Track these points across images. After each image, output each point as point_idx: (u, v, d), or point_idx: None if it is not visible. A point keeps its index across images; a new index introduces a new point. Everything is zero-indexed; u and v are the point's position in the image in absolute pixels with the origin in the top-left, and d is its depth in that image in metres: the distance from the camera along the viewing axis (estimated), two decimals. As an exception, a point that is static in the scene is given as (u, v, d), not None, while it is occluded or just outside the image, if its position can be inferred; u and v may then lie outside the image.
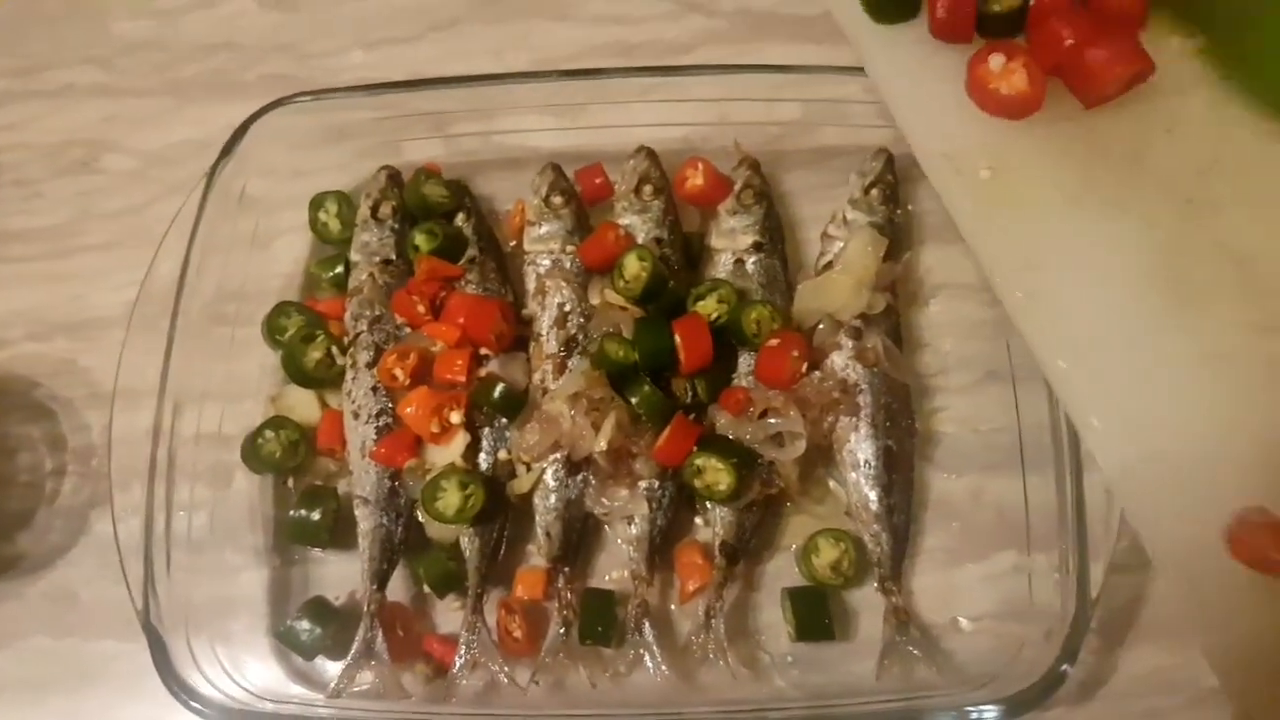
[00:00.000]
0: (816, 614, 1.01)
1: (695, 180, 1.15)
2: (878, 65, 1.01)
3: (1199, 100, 0.87)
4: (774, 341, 1.03)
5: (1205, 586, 0.79)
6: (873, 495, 1.03)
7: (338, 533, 1.07)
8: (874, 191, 1.14)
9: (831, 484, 1.07)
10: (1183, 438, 0.79)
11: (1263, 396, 0.78)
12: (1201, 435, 0.79)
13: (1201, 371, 0.79)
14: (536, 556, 1.07)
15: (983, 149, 0.87)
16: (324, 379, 1.12)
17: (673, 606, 1.06)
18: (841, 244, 1.11)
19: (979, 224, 0.87)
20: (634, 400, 1.02)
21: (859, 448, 1.04)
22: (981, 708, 0.91)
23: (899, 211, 1.16)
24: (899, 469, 1.04)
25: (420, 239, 1.13)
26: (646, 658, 1.00)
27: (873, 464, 1.03)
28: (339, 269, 1.18)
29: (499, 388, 1.05)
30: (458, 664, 1.00)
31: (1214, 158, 0.84)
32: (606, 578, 1.07)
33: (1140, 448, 0.80)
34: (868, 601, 1.04)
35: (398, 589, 1.06)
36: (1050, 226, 0.85)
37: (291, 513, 1.07)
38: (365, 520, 1.05)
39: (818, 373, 1.05)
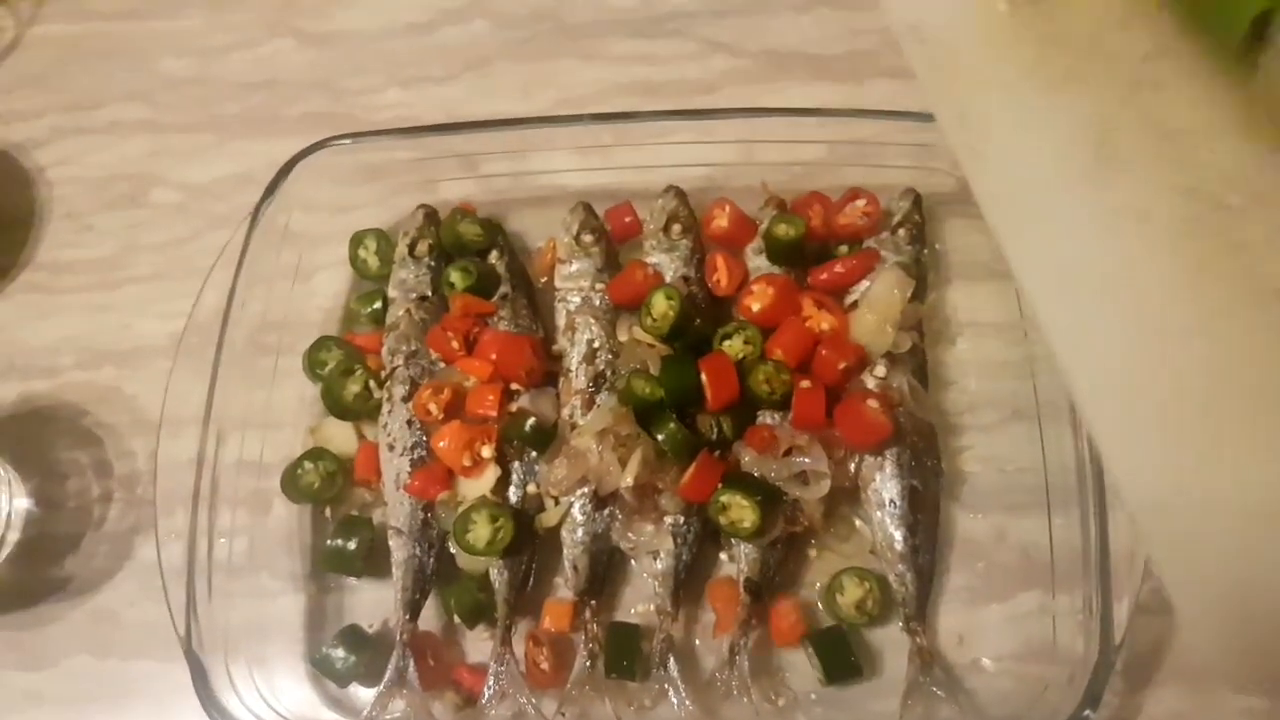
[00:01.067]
0: (841, 654, 1.02)
1: (720, 222, 1.17)
2: None
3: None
4: (805, 384, 1.05)
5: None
6: (898, 535, 1.04)
7: (372, 562, 1.09)
8: (901, 231, 1.16)
9: (857, 522, 1.08)
10: (1109, 292, 0.79)
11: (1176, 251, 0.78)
12: (1128, 288, 0.78)
13: (1127, 227, 0.79)
14: (564, 589, 1.09)
15: (950, 23, 0.89)
16: (361, 412, 1.15)
17: (697, 641, 1.07)
18: (867, 283, 1.12)
19: (937, 91, 0.88)
20: (660, 437, 1.04)
21: (884, 487, 1.05)
22: (1004, 750, 0.92)
23: (926, 251, 1.17)
24: (924, 508, 1.05)
25: (455, 276, 1.16)
26: (671, 692, 1.01)
27: (898, 503, 1.04)
28: (377, 304, 1.21)
29: (529, 421, 1.07)
30: (486, 694, 1.02)
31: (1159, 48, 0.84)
32: (632, 611, 1.09)
33: (1070, 306, 0.80)
34: (891, 640, 1.05)
35: (429, 619, 1.09)
36: (1000, 95, 0.86)
37: (328, 541, 1.10)
38: (399, 550, 1.08)
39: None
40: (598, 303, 1.16)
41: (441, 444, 1.07)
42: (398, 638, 1.04)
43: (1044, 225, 0.82)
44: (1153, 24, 0.85)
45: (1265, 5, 0.75)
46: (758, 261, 1.17)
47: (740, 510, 1.01)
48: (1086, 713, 0.90)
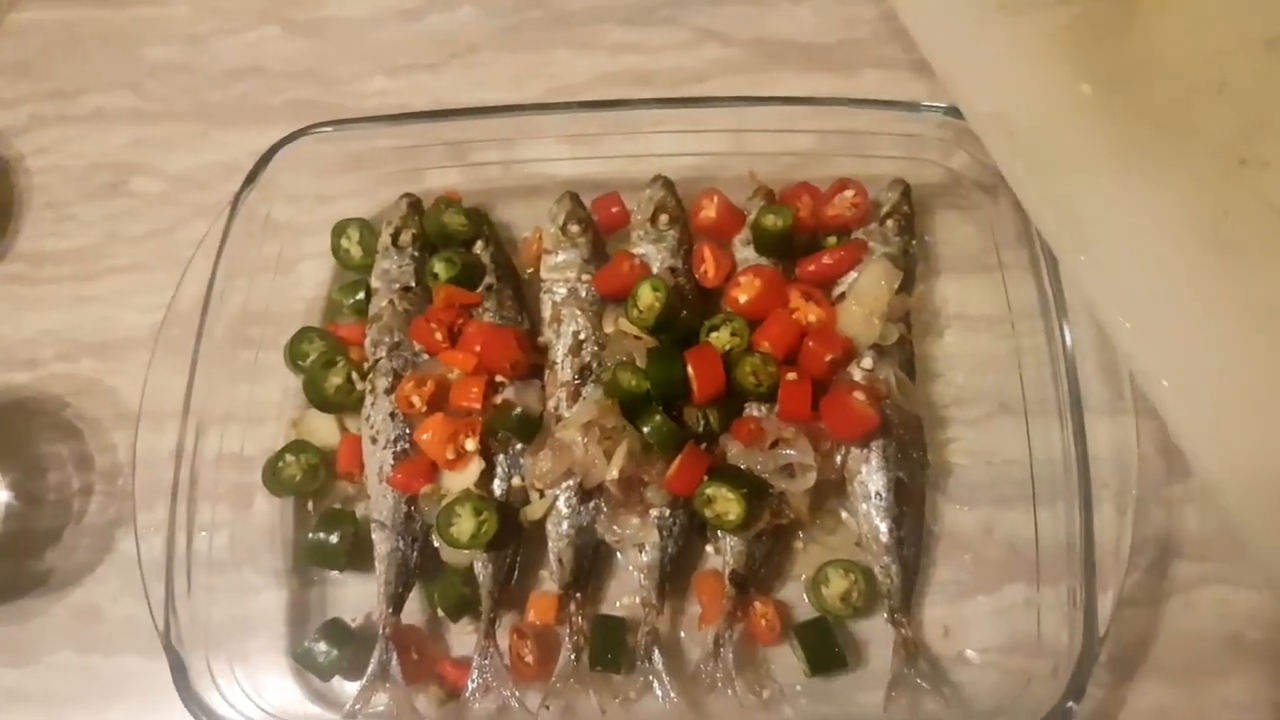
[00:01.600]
0: (825, 646, 1.02)
1: (709, 212, 1.17)
2: (929, 36, 0.98)
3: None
4: (792, 376, 1.04)
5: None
6: (883, 527, 1.03)
7: (355, 556, 1.09)
8: (889, 222, 1.15)
9: (843, 515, 1.08)
10: (1245, 393, 0.79)
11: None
12: (1262, 390, 0.78)
13: (1258, 323, 0.79)
14: (549, 582, 1.08)
15: (1034, 109, 0.87)
16: (344, 404, 1.14)
17: (682, 634, 1.07)
18: (855, 274, 1.12)
19: (1031, 187, 0.86)
20: (646, 429, 1.03)
21: (870, 479, 1.04)
22: (988, 743, 0.92)
23: (914, 242, 1.16)
24: (910, 501, 1.05)
25: (439, 267, 1.15)
26: (656, 685, 1.01)
27: (884, 496, 1.04)
28: (360, 295, 1.20)
29: (515, 411, 1.07)
30: (470, 687, 1.02)
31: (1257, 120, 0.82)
32: (618, 604, 1.08)
33: (1207, 405, 0.79)
34: (876, 632, 1.04)
35: (413, 612, 1.08)
36: (1101, 187, 0.84)
37: (310, 535, 1.09)
38: (382, 544, 1.07)
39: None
40: (584, 294, 1.15)
41: (425, 437, 1.06)
42: (381, 631, 1.04)
43: (1165, 324, 0.79)
44: (1247, 92, 0.82)
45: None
46: (745, 253, 1.16)
47: (726, 503, 1.01)
48: (1070, 704, 0.90)
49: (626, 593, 1.08)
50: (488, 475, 1.08)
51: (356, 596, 1.10)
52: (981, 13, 0.90)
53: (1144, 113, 0.83)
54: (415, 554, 1.07)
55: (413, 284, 1.18)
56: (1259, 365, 0.77)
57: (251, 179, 1.16)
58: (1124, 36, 0.86)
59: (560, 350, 1.13)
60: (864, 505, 1.04)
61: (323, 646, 1.05)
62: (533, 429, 1.08)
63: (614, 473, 1.03)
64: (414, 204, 1.22)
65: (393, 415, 1.10)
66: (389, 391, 1.11)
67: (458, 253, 1.16)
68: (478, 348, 1.09)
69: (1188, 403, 0.79)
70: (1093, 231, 0.83)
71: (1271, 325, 0.78)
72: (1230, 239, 0.79)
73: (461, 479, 1.06)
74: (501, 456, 1.09)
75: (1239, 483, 0.79)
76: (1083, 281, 0.84)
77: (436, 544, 1.06)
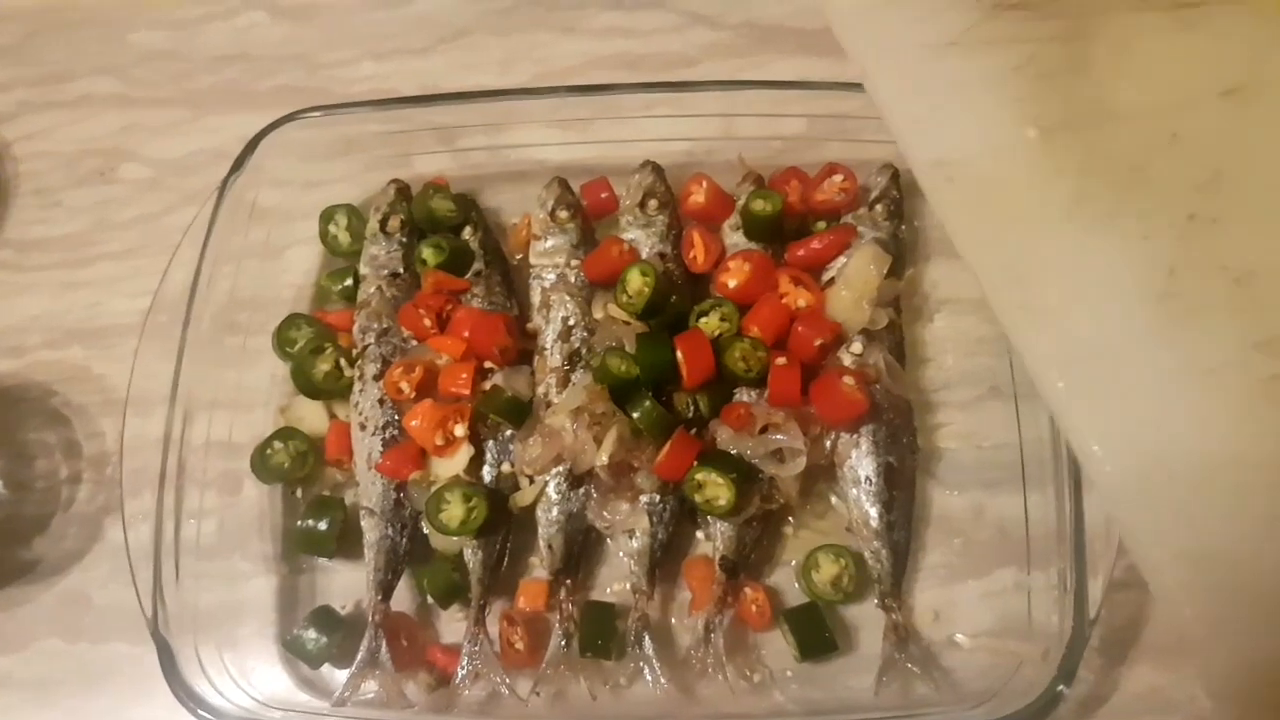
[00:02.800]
0: (816, 630, 1.01)
1: (698, 198, 1.16)
2: (874, 73, 0.94)
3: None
4: (781, 360, 1.04)
5: (1204, 604, 0.77)
6: (873, 511, 1.03)
7: (344, 542, 1.08)
8: (878, 206, 1.14)
9: (833, 500, 1.08)
10: (1180, 458, 0.77)
11: (1260, 413, 0.75)
12: (1198, 453, 0.77)
13: (1198, 387, 0.76)
14: (539, 568, 1.08)
15: (977, 153, 0.83)
16: (332, 391, 1.13)
17: (673, 620, 1.06)
18: (844, 259, 1.11)
19: (971, 237, 0.83)
20: (635, 415, 1.02)
21: (860, 464, 1.04)
22: (979, 726, 0.91)
23: (903, 227, 1.16)
24: (900, 485, 1.05)
25: (427, 253, 1.14)
26: (646, 670, 1.01)
27: (874, 480, 1.04)
28: (348, 281, 1.19)
29: (506, 393, 1.06)
30: (460, 674, 1.02)
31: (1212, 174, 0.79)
32: (608, 590, 1.08)
33: (1137, 470, 0.77)
34: (867, 617, 1.04)
35: (402, 599, 1.08)
36: (1045, 240, 0.81)
37: (299, 522, 1.09)
38: (371, 531, 1.07)
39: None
40: (573, 279, 1.15)
41: (414, 423, 1.06)
42: (370, 618, 1.03)
43: (1102, 385, 0.76)
44: (1199, 144, 0.79)
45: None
46: (735, 238, 1.15)
47: (716, 488, 1.00)
48: (1061, 688, 0.90)
49: (617, 579, 1.08)
50: (477, 461, 1.07)
51: (345, 583, 1.10)
52: (932, 49, 0.85)
53: (1093, 162, 0.80)
54: (404, 541, 1.07)
55: (401, 270, 1.17)
56: (1193, 427, 0.75)
57: (239, 165, 1.16)
58: (1076, 81, 0.82)
59: (549, 336, 1.12)
60: (854, 490, 1.04)
61: (312, 634, 1.04)
62: (523, 413, 1.07)
63: (604, 458, 1.03)
64: (402, 190, 1.21)
65: (381, 401, 1.10)
66: (377, 378, 1.11)
67: (446, 238, 1.15)
68: (466, 333, 1.09)
69: (1120, 469, 0.77)
70: (1033, 284, 0.79)
71: (1211, 385, 0.75)
72: (1176, 296, 0.76)
73: (451, 465, 1.06)
74: (491, 443, 1.08)
75: (1173, 555, 0.77)
76: (1019, 336, 0.80)
77: (426, 530, 1.06)
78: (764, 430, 1.03)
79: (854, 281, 1.08)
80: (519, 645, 1.03)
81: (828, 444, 1.05)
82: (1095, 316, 0.78)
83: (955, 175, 0.82)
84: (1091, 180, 0.79)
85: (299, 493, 1.13)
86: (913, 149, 0.85)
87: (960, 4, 0.84)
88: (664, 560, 1.06)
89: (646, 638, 1.01)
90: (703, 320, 1.08)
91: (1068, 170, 0.79)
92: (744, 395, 1.07)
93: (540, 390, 1.10)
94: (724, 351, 1.05)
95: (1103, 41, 0.82)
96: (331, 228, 1.21)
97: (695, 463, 1.01)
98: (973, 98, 0.82)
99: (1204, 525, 0.76)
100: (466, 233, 1.18)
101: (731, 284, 1.09)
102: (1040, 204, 0.80)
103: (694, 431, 1.05)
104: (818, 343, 1.05)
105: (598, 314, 1.12)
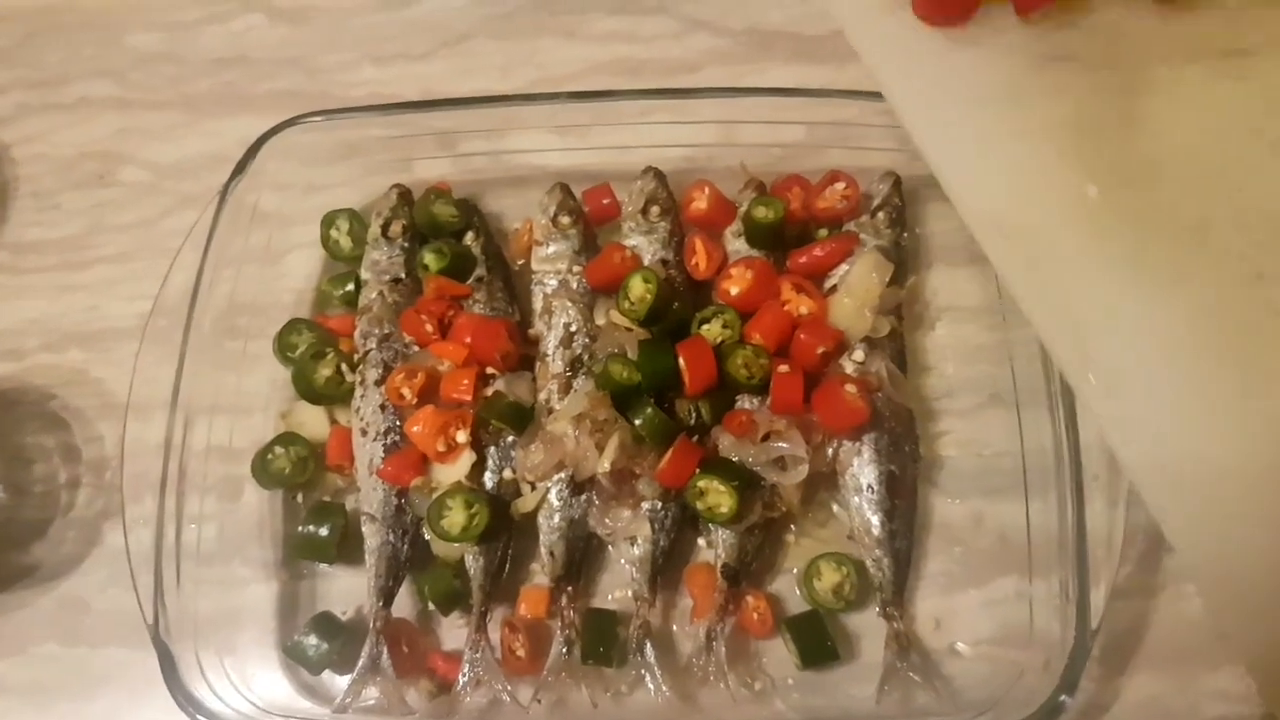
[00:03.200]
0: (818, 638, 1.01)
1: (700, 204, 1.16)
2: (922, 125, 0.89)
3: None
4: (783, 368, 1.04)
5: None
6: (875, 520, 1.03)
7: (345, 548, 1.08)
8: (880, 214, 1.14)
9: (834, 507, 1.07)
10: (1249, 519, 0.74)
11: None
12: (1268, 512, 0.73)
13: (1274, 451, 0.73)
14: (540, 575, 1.08)
15: (1034, 209, 0.80)
16: (333, 396, 1.13)
17: (674, 627, 1.06)
18: (846, 266, 1.11)
19: (1026, 291, 0.80)
20: (637, 422, 1.02)
21: (862, 472, 1.04)
22: (980, 735, 0.92)
23: (905, 235, 1.16)
24: (902, 493, 1.05)
25: (429, 258, 1.14)
26: (648, 678, 1.01)
27: (875, 488, 1.04)
28: (350, 286, 1.19)
29: (507, 400, 1.06)
30: (461, 681, 1.01)
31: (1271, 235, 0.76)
32: (609, 597, 1.08)
33: (1230, 548, 0.74)
34: (868, 625, 1.04)
35: (403, 605, 1.07)
36: (1108, 299, 0.78)
37: (300, 528, 1.08)
38: (372, 537, 1.06)
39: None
40: (575, 286, 1.15)
41: (415, 429, 1.05)
42: (371, 625, 1.03)
43: (1174, 447, 0.73)
44: (1262, 198, 0.75)
45: None
46: (737, 244, 1.15)
47: (718, 495, 1.00)
48: (1063, 698, 0.90)
49: (618, 586, 1.08)
50: (479, 468, 1.07)
51: (346, 589, 1.09)
52: (980, 101, 0.82)
53: (1150, 220, 0.77)
54: (406, 547, 1.06)
55: (403, 275, 1.17)
56: (1269, 491, 0.72)
57: (240, 168, 1.15)
58: (1128, 135, 0.79)
59: (551, 342, 1.12)
60: (856, 498, 1.04)
61: (313, 640, 1.04)
62: (524, 419, 1.07)
63: (605, 465, 1.02)
64: (404, 194, 1.21)
65: (383, 407, 1.09)
66: (379, 383, 1.10)
67: (448, 244, 1.15)
68: (468, 339, 1.08)
69: (1204, 540, 0.74)
70: (1098, 343, 0.76)
71: None
72: (1246, 357, 0.73)
73: (452, 471, 1.05)
74: (493, 449, 1.08)
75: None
76: (1084, 393, 0.78)
77: (427, 537, 1.05)
78: (766, 438, 1.03)
79: (856, 289, 1.08)
80: (520, 652, 1.03)
81: (829, 452, 1.05)
82: (1162, 378, 0.75)
83: (1008, 229, 0.79)
84: (1149, 238, 0.76)
85: (300, 498, 1.13)
86: (963, 201, 0.82)
87: (1009, 56, 0.81)
88: (665, 567, 1.06)
89: (648, 645, 1.01)
90: (705, 327, 1.08)
91: (1124, 228, 0.77)
92: (746, 402, 1.07)
93: (542, 396, 1.10)
94: (726, 358, 1.05)
95: (1153, 93, 0.80)
96: (333, 232, 1.21)
97: (697, 470, 1.01)
98: (1024, 151, 0.80)
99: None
100: (468, 238, 1.18)
101: (733, 291, 1.09)
102: (1097, 262, 0.77)
103: (696, 439, 1.04)
104: (820, 350, 1.05)
105: (599, 320, 1.12)
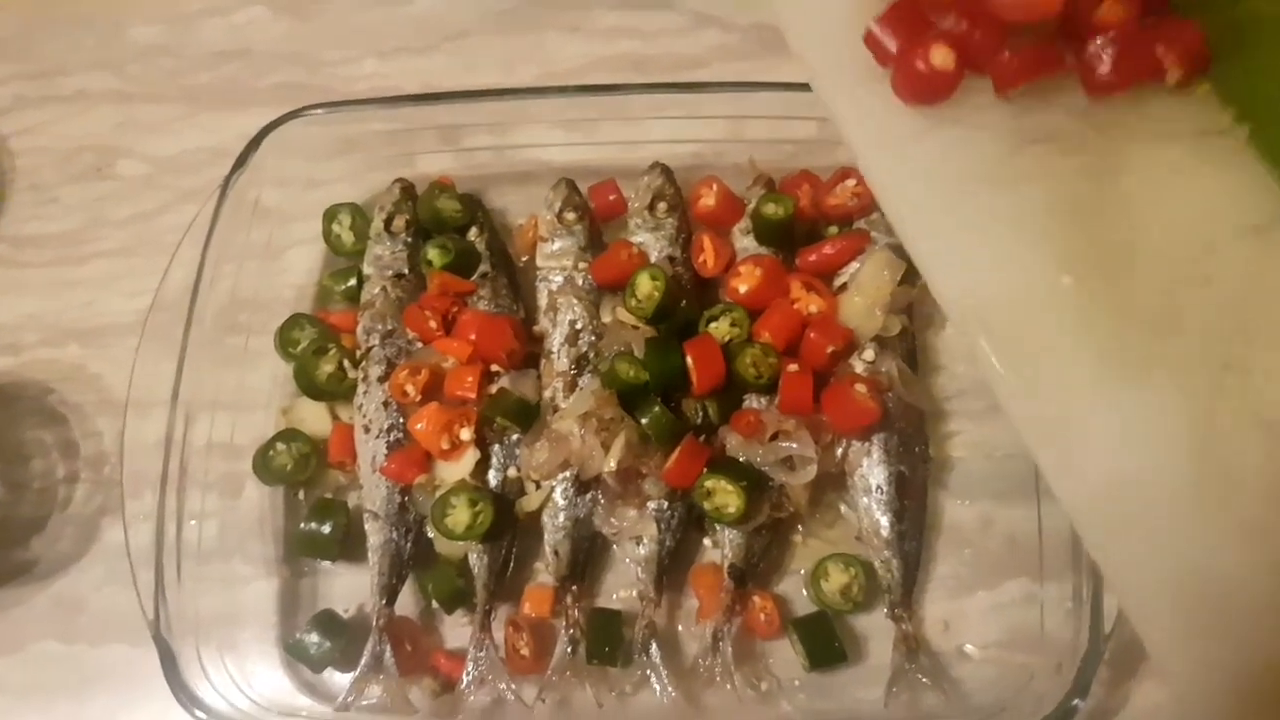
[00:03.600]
0: (825, 639, 1.01)
1: (708, 201, 1.15)
2: (900, 208, 0.86)
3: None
4: (793, 367, 1.02)
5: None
6: (884, 521, 1.02)
7: (347, 546, 1.07)
8: (890, 212, 1.13)
9: (842, 508, 1.06)
10: (1221, 610, 0.73)
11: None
12: (1242, 608, 0.73)
13: (1238, 543, 0.72)
14: (545, 574, 1.07)
15: (1012, 301, 0.79)
16: (336, 392, 1.12)
17: (680, 628, 1.05)
18: (857, 265, 1.10)
19: (1007, 387, 0.77)
20: (644, 421, 1.01)
21: (871, 472, 1.03)
22: (990, 739, 0.91)
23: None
24: (911, 495, 1.04)
25: (433, 254, 1.13)
26: (653, 678, 1.00)
27: (885, 489, 1.03)
28: (352, 281, 1.18)
29: (513, 396, 1.05)
30: (465, 680, 1.00)
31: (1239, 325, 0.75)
32: (614, 597, 1.07)
33: (1195, 638, 0.74)
34: (877, 627, 1.03)
35: (406, 603, 1.06)
36: (1082, 393, 0.76)
37: (302, 525, 1.07)
38: (375, 535, 1.05)
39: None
40: (580, 283, 1.13)
41: (419, 426, 1.04)
42: (374, 623, 1.02)
43: (1152, 544, 0.73)
44: (1232, 287, 0.75)
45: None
46: (745, 242, 1.14)
47: (725, 495, 0.99)
48: (1076, 701, 0.90)
49: (623, 586, 1.07)
50: (483, 466, 1.06)
51: (348, 587, 1.08)
52: (959, 184, 0.81)
53: (1127, 308, 0.76)
54: (409, 545, 1.05)
55: (406, 271, 1.16)
56: (1240, 585, 0.72)
57: (241, 162, 1.14)
58: (1105, 220, 0.78)
59: (556, 340, 1.11)
60: (865, 499, 1.03)
61: (315, 638, 1.03)
62: (530, 416, 1.06)
63: (611, 464, 1.01)
64: (407, 189, 1.19)
65: (386, 404, 1.08)
66: (382, 380, 1.09)
67: (452, 239, 1.14)
68: (472, 336, 1.07)
69: (1169, 630, 0.74)
70: (1072, 439, 0.76)
71: (1256, 544, 0.72)
72: (1215, 452, 0.73)
73: (456, 469, 1.04)
74: (497, 447, 1.07)
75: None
76: (1060, 491, 0.78)
77: (431, 535, 1.04)
78: (774, 438, 1.02)
79: (866, 287, 1.06)
80: (524, 651, 1.02)
81: (839, 452, 1.04)
82: (1133, 474, 0.74)
83: (990, 321, 0.78)
84: (1127, 328, 0.76)
85: (301, 495, 1.12)
86: (944, 291, 0.81)
87: (989, 138, 0.80)
88: (671, 567, 1.05)
89: (653, 645, 1.00)
90: (713, 325, 1.07)
91: (1102, 317, 0.76)
92: (754, 402, 1.06)
93: (547, 394, 1.09)
94: (734, 357, 1.04)
95: (1129, 175, 0.78)
96: (335, 227, 1.20)
97: (704, 470, 1.00)
98: (1004, 238, 0.78)
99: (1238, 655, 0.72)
100: (472, 234, 1.17)
101: (742, 289, 1.08)
102: (1076, 354, 0.76)
103: (703, 438, 1.03)
104: (830, 349, 1.04)
105: (606, 318, 1.11)
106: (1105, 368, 0.75)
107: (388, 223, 1.17)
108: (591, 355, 1.10)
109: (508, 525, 1.05)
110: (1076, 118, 0.81)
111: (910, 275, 1.10)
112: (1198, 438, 0.73)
